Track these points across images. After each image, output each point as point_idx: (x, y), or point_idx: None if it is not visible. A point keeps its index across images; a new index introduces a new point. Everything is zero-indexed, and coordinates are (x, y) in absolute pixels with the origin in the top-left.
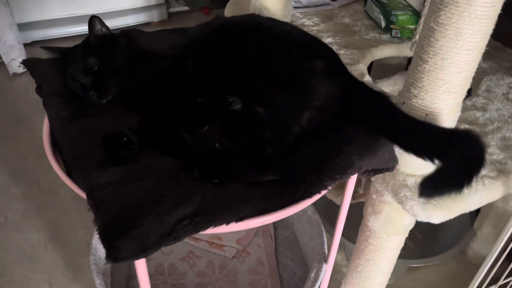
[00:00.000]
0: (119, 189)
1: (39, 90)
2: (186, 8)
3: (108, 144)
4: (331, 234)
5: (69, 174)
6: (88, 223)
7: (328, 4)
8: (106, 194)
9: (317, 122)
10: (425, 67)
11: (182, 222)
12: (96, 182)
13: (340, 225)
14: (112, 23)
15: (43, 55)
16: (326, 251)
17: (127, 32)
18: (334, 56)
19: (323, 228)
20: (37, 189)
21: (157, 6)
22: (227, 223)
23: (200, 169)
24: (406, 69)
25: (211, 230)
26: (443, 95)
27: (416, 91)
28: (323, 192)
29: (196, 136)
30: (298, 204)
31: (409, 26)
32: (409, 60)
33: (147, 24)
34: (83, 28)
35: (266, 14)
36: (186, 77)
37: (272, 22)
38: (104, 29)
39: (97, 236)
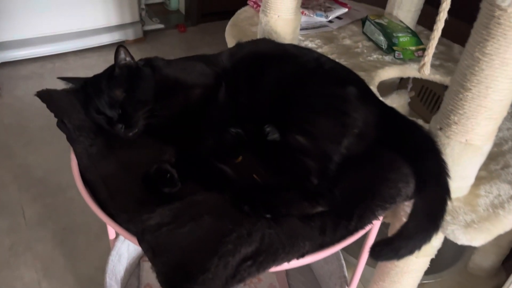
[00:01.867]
0: (174, 231)
1: (62, 124)
2: (161, 26)
3: (151, 182)
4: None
5: (110, 215)
6: (87, 255)
7: (326, 26)
8: (160, 237)
9: (356, 149)
10: (467, 95)
11: (245, 263)
12: (146, 225)
13: (366, 248)
14: (86, 43)
15: (13, 81)
16: (347, 274)
17: (151, 61)
18: (363, 82)
19: (339, 251)
20: (23, 222)
21: (132, 24)
22: (289, 261)
23: (251, 204)
24: (398, 88)
25: (273, 269)
26: (484, 122)
27: (456, 118)
28: (375, 222)
29: (233, 167)
30: (352, 235)
31: (410, 48)
32: (401, 79)
33: (122, 42)
34: (55, 48)
35: (275, 38)
36: (219, 107)
37: (299, 50)
38: (128, 59)
39: (110, 274)
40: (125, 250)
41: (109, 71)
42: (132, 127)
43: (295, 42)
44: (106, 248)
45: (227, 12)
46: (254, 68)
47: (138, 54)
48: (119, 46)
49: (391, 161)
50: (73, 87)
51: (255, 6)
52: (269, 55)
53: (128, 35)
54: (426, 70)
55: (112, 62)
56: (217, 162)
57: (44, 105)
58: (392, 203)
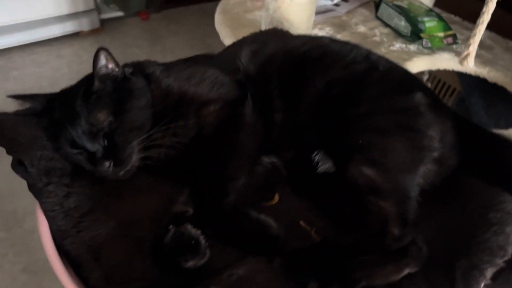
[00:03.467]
0: None
1: (19, 168)
2: (120, 13)
3: (167, 254)
4: None
5: None
6: None
7: (332, 10)
8: None
9: (436, 180)
10: None
11: None
12: None
13: None
14: (34, 36)
15: None
16: None
17: (142, 67)
18: (424, 85)
19: None
20: None
21: (86, 12)
22: None
23: (318, 279)
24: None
25: None
26: None
27: None
28: (483, 284)
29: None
30: None
31: (438, 34)
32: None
33: (76, 34)
34: None
35: (287, 27)
36: (247, 129)
37: (341, 45)
38: (111, 66)
39: None
40: None
41: (85, 84)
42: (124, 163)
43: (309, 32)
44: None
45: None
46: (291, 74)
47: (95, 47)
48: (99, 50)
49: (487, 195)
50: (31, 107)
51: None
52: (307, 55)
53: (83, 25)
54: (470, 62)
55: (67, 58)
56: (252, 211)
57: None
58: (503, 257)
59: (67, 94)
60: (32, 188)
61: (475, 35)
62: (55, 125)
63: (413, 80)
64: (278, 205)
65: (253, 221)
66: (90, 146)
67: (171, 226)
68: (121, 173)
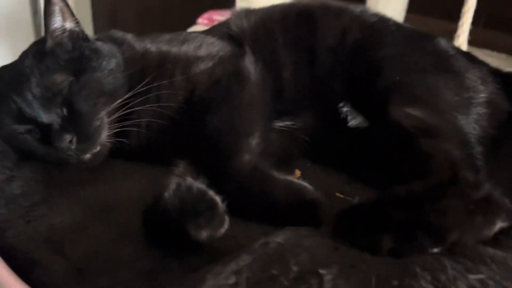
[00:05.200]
0: None
1: None
2: None
3: (169, 219)
4: None
5: None
6: None
7: None
8: None
9: (488, 123)
10: None
11: None
12: None
13: None
14: None
15: None
16: None
17: (109, 35)
18: None
19: None
20: None
21: None
22: None
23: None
24: None
25: None
26: None
27: None
28: None
29: None
30: None
31: None
32: None
33: None
34: None
35: None
36: (251, 81)
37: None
38: (69, 24)
39: None
40: None
41: (36, 47)
42: (90, 139)
43: None
44: None
45: None
46: (297, 25)
47: None
48: (47, 2)
49: None
50: None
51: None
52: (311, 6)
53: None
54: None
55: None
56: (278, 173)
57: None
58: None
59: (8, 66)
60: None
61: (462, 24)
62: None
63: (427, 32)
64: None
65: (283, 184)
66: (44, 116)
67: (174, 180)
68: (87, 155)
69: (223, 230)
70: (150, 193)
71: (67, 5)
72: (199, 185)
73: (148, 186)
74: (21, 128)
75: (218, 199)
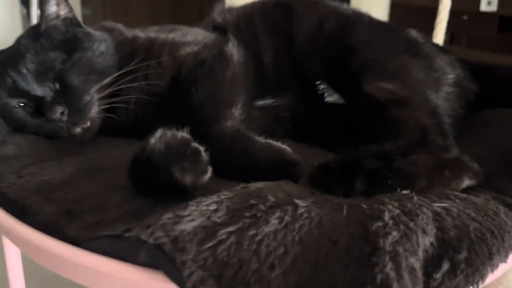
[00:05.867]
0: (243, 235)
1: None
2: None
3: (155, 163)
4: None
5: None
6: None
7: None
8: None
9: (457, 103)
10: None
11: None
12: (181, 230)
13: None
14: None
15: None
16: None
17: (101, 25)
18: None
19: None
20: None
21: None
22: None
23: (368, 177)
24: None
25: None
26: None
27: None
28: None
29: None
30: None
31: None
32: None
33: None
34: None
35: None
36: (234, 63)
37: None
38: (63, 11)
39: None
40: None
41: (32, 30)
42: (81, 112)
43: None
44: None
45: None
46: (276, 13)
47: None
48: None
49: None
50: None
51: None
52: (286, 2)
53: None
54: None
55: None
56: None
57: None
58: None
59: (4, 50)
60: None
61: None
62: None
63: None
64: None
65: (263, 145)
66: (37, 89)
67: (160, 130)
68: (78, 129)
69: (206, 177)
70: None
71: None
72: (183, 133)
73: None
74: (15, 101)
75: (201, 148)
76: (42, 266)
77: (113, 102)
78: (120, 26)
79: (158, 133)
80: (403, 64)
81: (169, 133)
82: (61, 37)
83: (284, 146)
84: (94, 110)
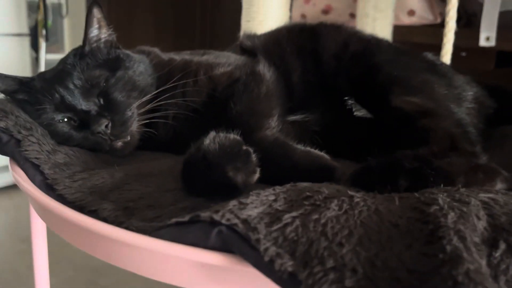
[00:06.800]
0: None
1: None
2: None
3: (208, 161)
4: None
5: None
6: None
7: None
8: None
9: (477, 118)
10: None
11: None
12: (248, 214)
13: None
14: None
15: None
16: None
17: (140, 49)
18: None
19: None
20: None
21: None
22: None
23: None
24: None
25: None
26: None
27: None
28: None
29: None
30: None
31: None
32: None
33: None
34: None
35: None
36: (267, 80)
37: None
38: (104, 36)
39: None
40: None
41: (76, 51)
42: (124, 126)
43: None
44: None
45: None
46: (302, 36)
47: None
48: (91, 8)
49: None
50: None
51: None
52: (310, 24)
53: None
54: None
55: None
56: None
57: None
58: None
59: (47, 71)
60: (5, 146)
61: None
62: (35, 94)
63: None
64: None
65: (302, 151)
66: (83, 103)
67: (212, 133)
68: (119, 143)
69: (255, 177)
70: (177, 168)
71: (104, 18)
72: (235, 135)
73: (175, 164)
74: (60, 116)
75: (251, 149)
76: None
77: (152, 118)
78: (156, 50)
79: (211, 134)
80: (426, 80)
81: (222, 134)
82: (104, 57)
83: (322, 153)
84: (135, 125)
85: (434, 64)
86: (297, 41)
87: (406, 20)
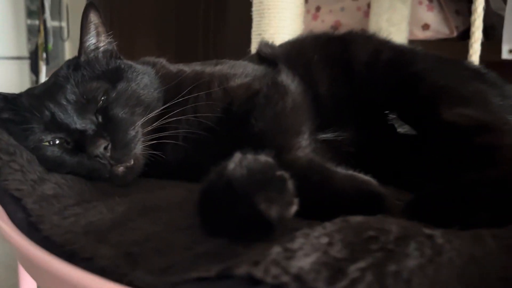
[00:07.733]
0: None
1: None
2: None
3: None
4: None
5: None
6: None
7: None
8: None
9: None
10: None
11: None
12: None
13: None
14: None
15: None
16: None
17: (145, 60)
18: None
19: None
20: None
21: None
22: None
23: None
24: None
25: None
26: None
27: None
28: None
29: None
30: None
31: None
32: None
33: None
34: None
35: None
36: (291, 92)
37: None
38: (103, 41)
39: None
40: None
41: (70, 61)
42: (126, 149)
43: None
44: None
45: None
46: (329, 46)
47: None
48: (87, 11)
49: None
50: None
51: None
52: (339, 33)
53: None
54: None
55: None
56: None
57: None
58: None
59: (37, 85)
60: None
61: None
62: (22, 112)
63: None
64: None
65: (344, 176)
66: (78, 121)
67: (238, 154)
68: (121, 168)
69: (292, 210)
70: (190, 200)
71: (103, 24)
72: (266, 157)
73: (187, 195)
74: (51, 137)
75: (286, 174)
76: None
77: (159, 138)
78: (162, 60)
79: (237, 156)
80: (478, 89)
81: (250, 156)
82: (103, 68)
83: (368, 177)
84: (139, 147)
85: (480, 72)
86: (324, 51)
87: (421, 35)
